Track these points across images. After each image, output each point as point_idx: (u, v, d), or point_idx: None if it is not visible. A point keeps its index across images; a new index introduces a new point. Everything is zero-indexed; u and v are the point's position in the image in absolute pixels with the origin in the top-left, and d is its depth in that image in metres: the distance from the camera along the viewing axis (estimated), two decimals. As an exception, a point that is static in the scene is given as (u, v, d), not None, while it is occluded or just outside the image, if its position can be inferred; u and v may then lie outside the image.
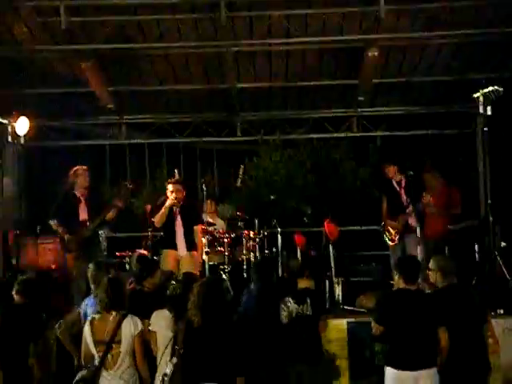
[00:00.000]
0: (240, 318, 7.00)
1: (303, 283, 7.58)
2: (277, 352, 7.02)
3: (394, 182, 10.34)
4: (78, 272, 9.28)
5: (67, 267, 9.71)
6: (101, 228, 10.11)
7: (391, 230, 10.26)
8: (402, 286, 6.63)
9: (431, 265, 6.96)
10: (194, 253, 9.83)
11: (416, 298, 6.58)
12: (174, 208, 9.75)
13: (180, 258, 9.73)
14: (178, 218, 9.79)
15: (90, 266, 7.31)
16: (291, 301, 7.19)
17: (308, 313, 7.27)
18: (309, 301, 7.29)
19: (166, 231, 9.98)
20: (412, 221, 10.05)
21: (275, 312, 7.15)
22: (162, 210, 9.71)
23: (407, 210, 9.98)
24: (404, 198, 10.12)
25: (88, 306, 7.00)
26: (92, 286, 7.15)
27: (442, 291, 6.80)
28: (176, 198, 9.69)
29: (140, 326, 6.12)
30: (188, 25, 10.67)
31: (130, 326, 6.07)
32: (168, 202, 9.70)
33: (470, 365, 6.55)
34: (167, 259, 9.64)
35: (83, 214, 9.59)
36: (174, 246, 9.76)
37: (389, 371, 6.47)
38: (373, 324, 6.69)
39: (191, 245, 9.80)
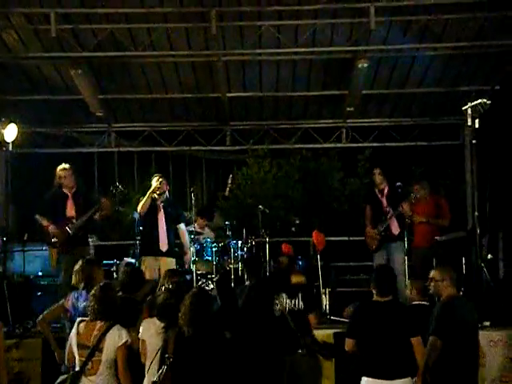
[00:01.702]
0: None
1: (295, 278, 7.60)
2: (270, 343, 7.05)
3: (376, 191, 10.38)
4: (61, 267, 9.32)
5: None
6: (88, 226, 10.02)
7: (369, 238, 10.33)
8: (375, 298, 6.67)
9: (438, 275, 6.87)
10: (173, 260, 9.86)
11: (386, 310, 6.58)
12: (158, 203, 9.78)
13: (160, 262, 9.67)
14: (161, 213, 9.81)
15: (80, 261, 7.18)
16: (284, 296, 7.23)
17: (299, 307, 7.30)
18: (300, 295, 7.32)
19: (146, 231, 10.03)
20: (394, 228, 10.09)
21: (269, 306, 7.20)
22: (146, 196, 9.82)
23: (388, 217, 10.03)
24: (385, 205, 10.18)
25: (78, 300, 6.92)
26: (81, 282, 7.00)
27: (451, 302, 6.74)
28: (159, 187, 9.78)
29: (125, 338, 6.05)
30: (179, 34, 10.70)
31: (115, 337, 6.01)
32: (151, 189, 9.81)
33: (456, 379, 6.54)
34: (146, 267, 9.57)
35: (70, 211, 9.56)
36: (152, 249, 9.74)
37: (364, 380, 6.50)
38: (346, 340, 6.70)
39: (171, 248, 9.84)
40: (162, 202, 9.87)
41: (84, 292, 6.87)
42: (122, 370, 6.03)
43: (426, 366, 6.48)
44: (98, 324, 6.07)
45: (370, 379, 6.44)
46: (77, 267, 7.11)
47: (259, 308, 7.25)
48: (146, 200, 9.82)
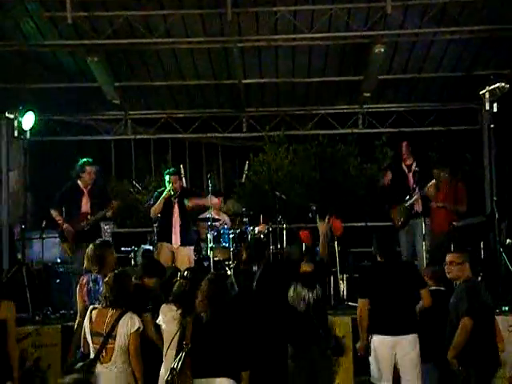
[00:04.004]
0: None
1: (305, 267, 7.55)
2: (294, 337, 7.10)
3: (403, 166, 10.29)
4: (77, 257, 9.41)
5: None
6: (102, 221, 10.18)
7: (394, 217, 10.29)
8: (380, 259, 7.17)
9: (458, 258, 6.94)
10: (190, 248, 9.90)
11: (393, 268, 7.04)
12: (173, 199, 9.84)
13: (175, 250, 9.78)
14: (176, 209, 9.87)
15: (91, 245, 7.13)
16: (304, 289, 7.18)
17: (320, 297, 7.29)
18: (318, 285, 7.32)
19: (162, 222, 10.11)
20: (418, 206, 10.04)
21: (282, 294, 7.18)
22: (160, 200, 9.86)
23: (413, 195, 9.96)
24: (411, 182, 10.10)
25: (96, 284, 6.81)
26: (95, 266, 6.93)
27: (473, 285, 6.85)
28: (173, 189, 9.85)
29: (137, 325, 6.07)
30: (194, 20, 10.67)
31: (127, 324, 6.03)
32: (165, 193, 9.90)
33: (482, 360, 6.63)
34: (162, 252, 9.73)
35: (85, 207, 9.72)
36: (169, 239, 9.83)
37: (373, 339, 6.92)
38: (359, 301, 7.06)
39: (187, 238, 9.93)
40: (177, 197, 9.92)
41: (99, 276, 6.82)
42: (135, 356, 6.06)
43: (456, 349, 6.56)
44: (110, 311, 6.10)
45: (380, 336, 6.86)
46: (88, 251, 7.08)
47: (272, 297, 7.21)
48: (159, 205, 9.94)
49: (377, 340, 6.90)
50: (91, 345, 6.10)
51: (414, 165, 10.16)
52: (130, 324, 6.04)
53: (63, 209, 9.73)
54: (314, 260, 7.70)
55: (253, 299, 7.39)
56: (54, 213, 9.77)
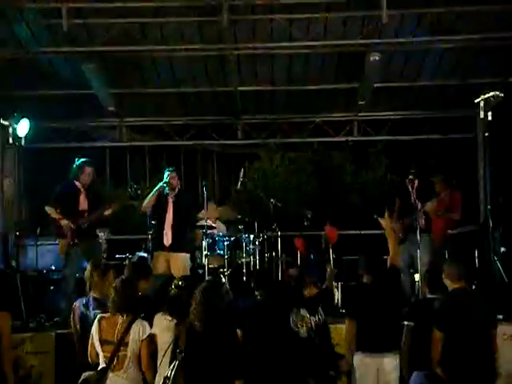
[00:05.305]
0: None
1: (311, 291, 7.46)
2: (297, 367, 7.00)
3: (407, 182, 10.20)
4: (70, 259, 9.43)
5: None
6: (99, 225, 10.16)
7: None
8: (366, 280, 7.20)
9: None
10: (186, 255, 9.86)
11: (376, 288, 7.07)
12: (168, 197, 9.77)
13: (170, 258, 9.69)
14: (170, 206, 9.79)
15: (88, 265, 7.12)
16: (307, 314, 7.07)
17: (322, 320, 7.22)
18: (320, 308, 7.27)
19: (155, 220, 10.08)
20: (421, 222, 9.93)
21: (286, 324, 7.09)
22: (153, 192, 9.82)
23: (419, 209, 9.87)
24: (413, 198, 10.00)
25: (88, 308, 6.76)
26: (87, 287, 6.93)
27: (451, 295, 6.84)
28: (169, 183, 9.74)
29: (148, 331, 6.08)
30: (191, 28, 10.68)
31: (139, 330, 6.03)
32: (159, 185, 9.78)
33: (477, 371, 6.59)
34: (157, 262, 9.65)
35: (83, 204, 9.64)
36: (162, 241, 9.73)
37: (354, 355, 6.94)
38: (347, 322, 7.11)
39: (181, 243, 9.80)
40: (172, 196, 9.84)
41: (91, 298, 6.79)
42: (146, 363, 6.06)
43: (434, 360, 6.61)
44: (120, 319, 6.07)
45: (362, 354, 6.87)
46: (86, 272, 7.06)
47: (278, 328, 7.11)
48: (151, 197, 9.83)
49: (359, 357, 6.88)
50: (101, 354, 6.05)
51: (417, 182, 9.94)
52: (141, 331, 6.05)
53: (59, 207, 9.65)
54: (315, 275, 7.66)
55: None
56: (49, 210, 9.60)
